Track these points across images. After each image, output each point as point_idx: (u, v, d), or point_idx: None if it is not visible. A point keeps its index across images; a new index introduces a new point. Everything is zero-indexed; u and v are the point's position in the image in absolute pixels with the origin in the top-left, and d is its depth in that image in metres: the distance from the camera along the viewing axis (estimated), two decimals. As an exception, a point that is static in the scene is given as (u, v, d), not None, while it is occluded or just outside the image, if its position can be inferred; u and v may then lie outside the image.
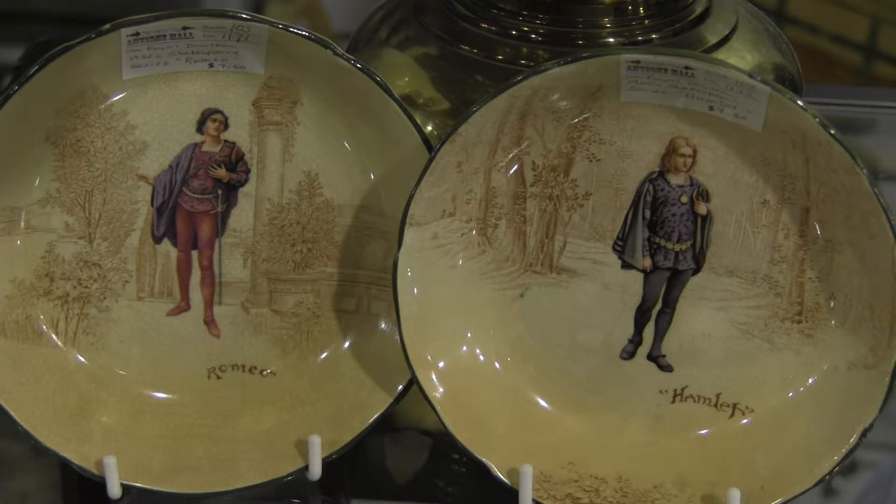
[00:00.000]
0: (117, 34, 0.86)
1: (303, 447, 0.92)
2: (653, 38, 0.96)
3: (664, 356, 0.92)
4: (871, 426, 0.87)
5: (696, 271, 0.91)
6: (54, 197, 0.91)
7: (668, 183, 0.89)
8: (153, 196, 0.92)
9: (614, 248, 0.91)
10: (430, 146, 0.89)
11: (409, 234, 0.88)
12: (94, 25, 0.85)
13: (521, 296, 0.93)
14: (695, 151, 0.89)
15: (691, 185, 0.89)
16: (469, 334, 0.93)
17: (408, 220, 0.88)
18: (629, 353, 0.93)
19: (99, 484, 0.91)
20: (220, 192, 0.93)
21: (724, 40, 0.98)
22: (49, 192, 0.91)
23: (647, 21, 0.96)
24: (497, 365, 0.94)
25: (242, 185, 0.93)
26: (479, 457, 0.91)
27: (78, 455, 0.91)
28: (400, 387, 0.93)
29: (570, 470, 0.91)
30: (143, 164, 0.92)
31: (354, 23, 1.06)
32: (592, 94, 0.88)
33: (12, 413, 0.90)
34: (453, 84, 0.95)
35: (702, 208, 0.89)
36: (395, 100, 0.89)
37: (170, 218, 0.93)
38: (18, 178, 0.90)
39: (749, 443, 0.91)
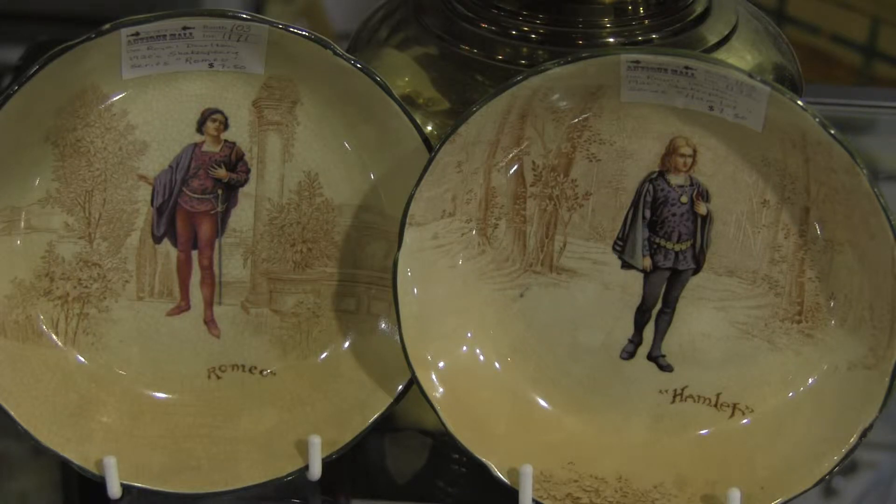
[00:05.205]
0: (117, 34, 0.86)
1: (303, 447, 0.92)
2: (653, 38, 0.96)
3: (664, 356, 0.92)
4: (871, 426, 0.87)
5: (696, 271, 0.91)
6: (54, 197, 0.91)
7: (668, 183, 0.89)
8: (153, 196, 0.92)
9: (614, 248, 0.91)
10: (430, 146, 0.89)
11: (409, 234, 0.88)
12: (94, 25, 0.86)
13: (521, 296, 0.93)
14: (695, 151, 0.89)
15: (691, 185, 0.89)
16: (469, 334, 0.93)
17: (408, 220, 0.88)
18: (629, 353, 0.93)
19: (99, 484, 0.91)
20: (220, 192, 0.93)
21: (724, 40, 0.98)
22: (49, 192, 0.91)
23: (647, 21, 0.96)
24: (497, 365, 0.94)
25: (242, 185, 0.93)
26: (479, 457, 0.91)
27: (78, 455, 0.91)
28: (400, 387, 0.93)
29: (570, 470, 0.91)
30: (143, 164, 0.92)
31: (354, 23, 1.06)
32: (592, 94, 0.88)
33: (12, 413, 0.90)
34: (453, 84, 0.95)
35: (702, 208, 0.89)
36: (395, 100, 0.89)
37: (170, 218, 0.93)
38: (18, 178, 0.90)
39: (749, 443, 0.91)
